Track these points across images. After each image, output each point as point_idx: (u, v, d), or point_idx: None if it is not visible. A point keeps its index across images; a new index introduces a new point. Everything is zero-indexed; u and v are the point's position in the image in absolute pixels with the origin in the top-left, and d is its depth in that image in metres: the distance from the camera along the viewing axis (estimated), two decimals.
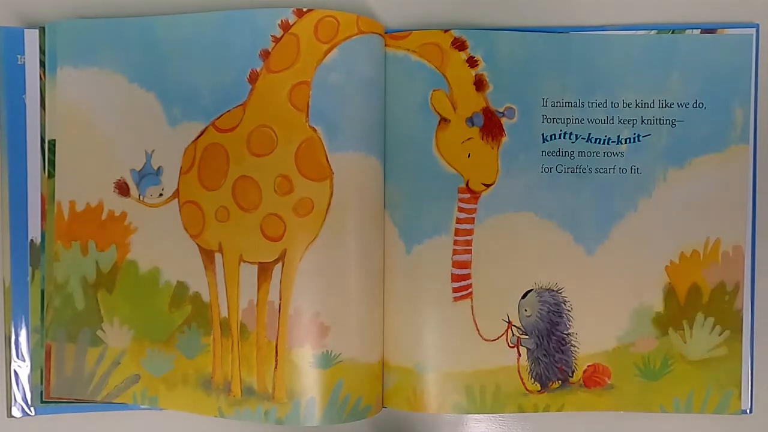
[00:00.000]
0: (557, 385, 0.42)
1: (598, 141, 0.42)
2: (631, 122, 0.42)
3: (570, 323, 0.42)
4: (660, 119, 0.42)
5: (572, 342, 0.42)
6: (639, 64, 0.42)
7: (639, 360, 0.42)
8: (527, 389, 0.42)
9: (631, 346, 0.42)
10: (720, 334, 0.42)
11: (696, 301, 0.42)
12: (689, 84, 0.42)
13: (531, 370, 0.42)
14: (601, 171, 0.42)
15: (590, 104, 0.42)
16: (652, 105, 0.42)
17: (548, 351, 0.42)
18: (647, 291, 0.42)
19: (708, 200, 0.42)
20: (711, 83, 0.42)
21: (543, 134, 0.42)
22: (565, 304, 0.42)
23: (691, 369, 0.42)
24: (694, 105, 0.42)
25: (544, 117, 0.42)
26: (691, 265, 0.42)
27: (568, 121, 0.42)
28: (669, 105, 0.42)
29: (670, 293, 0.42)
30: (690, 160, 0.42)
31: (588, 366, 0.42)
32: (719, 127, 0.42)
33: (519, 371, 0.42)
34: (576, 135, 0.42)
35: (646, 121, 0.42)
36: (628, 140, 0.42)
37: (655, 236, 0.42)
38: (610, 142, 0.42)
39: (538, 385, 0.42)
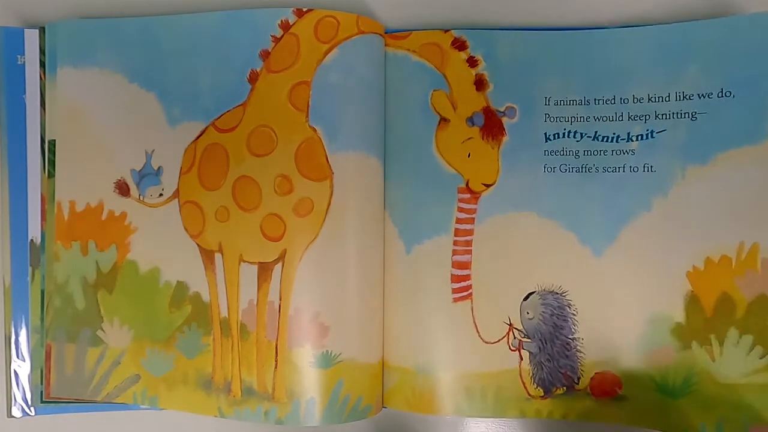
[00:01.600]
0: (562, 391, 0.41)
1: (605, 139, 0.40)
2: (644, 118, 0.40)
3: (575, 327, 0.41)
4: (677, 113, 0.39)
5: (578, 347, 0.40)
6: (650, 58, 0.40)
7: (655, 373, 0.39)
8: (529, 394, 0.41)
9: (646, 357, 0.39)
10: (761, 357, 0.37)
11: (727, 313, 0.38)
12: (712, 73, 0.39)
13: (534, 374, 0.41)
14: (610, 170, 0.40)
15: (596, 101, 0.40)
16: (667, 99, 0.39)
17: (552, 355, 0.41)
18: (665, 298, 0.39)
19: (740, 200, 0.38)
20: (739, 69, 0.38)
21: (546, 133, 0.41)
22: (569, 308, 0.41)
23: (721, 392, 0.38)
24: (720, 95, 0.38)
25: (547, 116, 0.41)
26: (719, 272, 0.38)
27: (573, 119, 0.41)
28: (688, 97, 0.39)
29: (692, 302, 0.39)
30: (714, 156, 0.38)
31: (596, 373, 0.40)
32: (752, 116, 0.38)
33: (521, 375, 0.41)
34: (581, 133, 0.41)
35: (660, 116, 0.40)
36: (639, 137, 0.40)
37: (674, 239, 0.39)
38: (619, 140, 0.40)
39: (541, 390, 0.41)
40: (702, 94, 0.39)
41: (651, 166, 0.40)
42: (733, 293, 0.38)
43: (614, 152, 0.40)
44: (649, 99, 0.40)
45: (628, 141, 0.40)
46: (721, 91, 0.38)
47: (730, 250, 0.38)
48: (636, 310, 0.40)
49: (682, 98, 0.39)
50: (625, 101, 0.40)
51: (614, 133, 0.40)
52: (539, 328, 0.41)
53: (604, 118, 0.40)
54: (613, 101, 0.40)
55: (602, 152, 0.40)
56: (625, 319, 0.40)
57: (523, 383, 0.41)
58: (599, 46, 0.41)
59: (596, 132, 0.41)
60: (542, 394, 0.41)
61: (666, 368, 0.39)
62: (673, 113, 0.39)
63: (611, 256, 0.40)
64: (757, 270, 0.37)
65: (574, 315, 0.41)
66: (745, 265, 0.38)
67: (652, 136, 0.40)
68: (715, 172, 0.38)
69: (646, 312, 0.39)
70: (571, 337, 0.41)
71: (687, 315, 0.39)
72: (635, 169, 0.40)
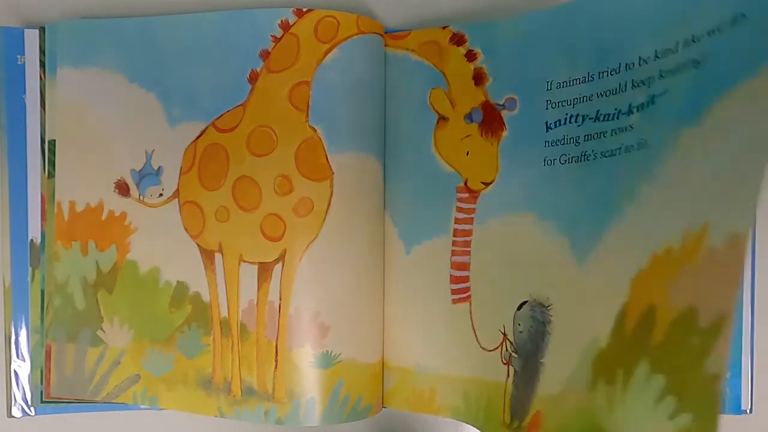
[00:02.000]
0: (516, 425, 0.34)
1: (606, 117, 0.35)
2: (647, 82, 0.33)
3: (546, 350, 0.34)
4: (681, 64, 0.31)
5: (540, 373, 0.33)
6: (660, 4, 0.33)
7: (565, 421, 0.28)
8: (503, 419, 0.36)
9: (563, 396, 0.30)
10: (671, 417, 0.22)
11: (644, 336, 0.25)
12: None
13: (512, 396, 0.36)
14: (606, 154, 0.34)
15: (601, 75, 0.35)
16: (675, 50, 0.32)
17: (526, 380, 0.35)
18: (604, 316, 0.29)
19: (719, 163, 0.25)
20: None
21: (547, 122, 0.37)
22: (549, 325, 0.34)
23: None
24: (732, 23, 0.28)
25: (549, 102, 0.37)
26: (657, 272, 0.26)
27: (576, 101, 0.36)
28: (695, 39, 0.30)
29: (619, 320, 0.27)
30: (711, 106, 0.28)
31: (536, 412, 0.32)
32: (764, 39, 0.26)
33: (505, 393, 0.36)
34: (583, 116, 0.36)
35: (664, 74, 0.32)
36: (640, 107, 0.33)
37: (646, 233, 0.29)
38: (620, 116, 0.34)
39: (509, 417, 0.35)
40: (711, 30, 0.29)
41: (645, 141, 0.32)
42: (660, 303, 0.25)
43: (613, 132, 0.34)
44: (656, 56, 0.33)
45: (628, 114, 0.34)
46: (733, 17, 0.28)
47: (677, 238, 0.25)
48: (582, 335, 0.30)
49: (690, 42, 0.31)
50: (630, 67, 0.34)
51: (615, 109, 0.34)
52: (525, 345, 0.36)
53: (608, 93, 0.35)
54: (617, 70, 0.35)
55: (602, 134, 0.35)
56: (571, 344, 0.31)
57: (504, 403, 0.36)
58: (604, 9, 0.35)
59: (598, 111, 0.35)
60: (509, 422, 0.35)
61: (570, 419, 0.28)
62: (678, 65, 0.31)
63: (591, 265, 0.33)
64: (696, 263, 0.23)
65: (549, 334, 0.34)
66: (685, 259, 0.24)
67: (653, 103, 0.33)
68: (708, 129, 0.28)
69: (587, 337, 0.30)
70: (541, 360, 0.34)
71: (610, 338, 0.27)
72: (630, 149, 0.33)
